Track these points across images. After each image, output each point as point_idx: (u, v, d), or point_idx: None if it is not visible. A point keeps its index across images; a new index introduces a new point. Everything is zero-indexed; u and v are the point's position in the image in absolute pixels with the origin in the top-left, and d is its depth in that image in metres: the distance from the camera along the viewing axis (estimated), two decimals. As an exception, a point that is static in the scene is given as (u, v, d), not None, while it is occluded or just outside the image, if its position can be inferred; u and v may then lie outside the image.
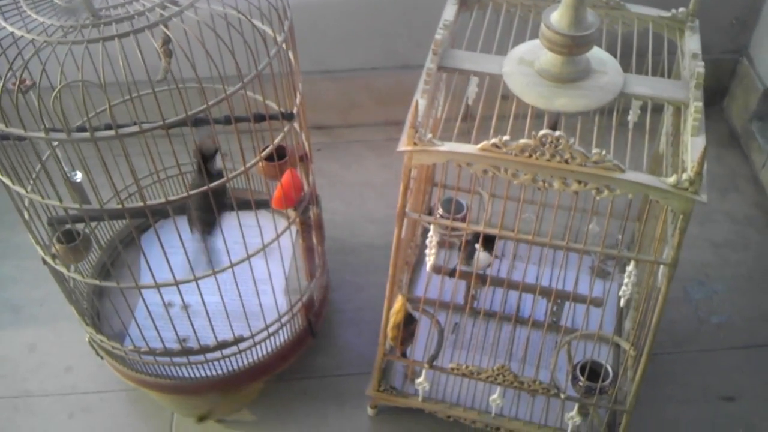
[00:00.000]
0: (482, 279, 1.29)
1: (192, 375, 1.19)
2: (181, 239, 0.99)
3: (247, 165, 0.98)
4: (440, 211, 1.32)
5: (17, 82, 0.88)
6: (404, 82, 1.72)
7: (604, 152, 0.84)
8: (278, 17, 0.98)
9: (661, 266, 0.96)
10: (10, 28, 0.85)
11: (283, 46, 0.99)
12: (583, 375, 1.12)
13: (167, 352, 1.14)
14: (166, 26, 0.88)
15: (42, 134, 0.84)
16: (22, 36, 0.84)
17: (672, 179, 0.84)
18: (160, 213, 1.13)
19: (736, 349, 1.40)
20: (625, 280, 0.97)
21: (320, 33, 1.68)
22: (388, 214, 1.60)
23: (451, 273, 1.23)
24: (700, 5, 1.06)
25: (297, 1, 1.58)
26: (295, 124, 1.13)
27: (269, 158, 1.11)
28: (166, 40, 1.07)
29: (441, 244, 1.40)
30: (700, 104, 0.91)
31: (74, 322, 1.23)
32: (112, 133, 0.83)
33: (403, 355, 1.20)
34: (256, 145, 1.07)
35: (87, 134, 0.83)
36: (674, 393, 1.34)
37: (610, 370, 1.12)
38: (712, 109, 1.86)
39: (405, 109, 0.89)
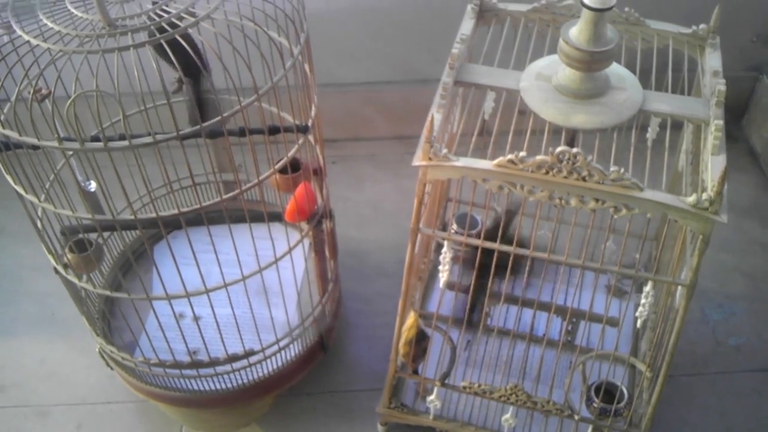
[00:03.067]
0: (496, 296, 1.28)
1: (202, 388, 1.18)
2: (193, 250, 0.98)
3: (261, 177, 0.97)
4: (454, 226, 1.31)
5: (33, 91, 0.88)
6: (416, 97, 1.72)
7: (622, 170, 0.83)
8: (294, 29, 0.97)
9: (679, 287, 0.94)
10: (26, 36, 0.85)
11: (299, 58, 0.99)
12: (597, 396, 1.10)
13: (177, 365, 1.13)
14: (182, 37, 0.88)
15: (55, 143, 0.83)
16: (37, 45, 0.84)
17: (691, 199, 0.82)
18: (173, 224, 1.13)
19: (755, 372, 1.38)
20: (642, 301, 0.95)
21: (330, 46, 1.67)
22: (400, 228, 1.60)
23: (466, 289, 1.21)
24: (720, 22, 1.05)
25: (308, 14, 1.59)
26: (310, 137, 1.12)
27: (283, 171, 1.11)
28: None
29: (455, 260, 1.39)
30: (721, 122, 0.90)
31: (85, 332, 1.22)
32: (125, 143, 0.83)
33: (415, 372, 1.18)
34: (271, 157, 1.06)
35: (101, 144, 0.83)
36: (691, 416, 1.31)
37: (625, 391, 1.10)
38: (732, 127, 1.84)
39: (415, 124, 0.89)
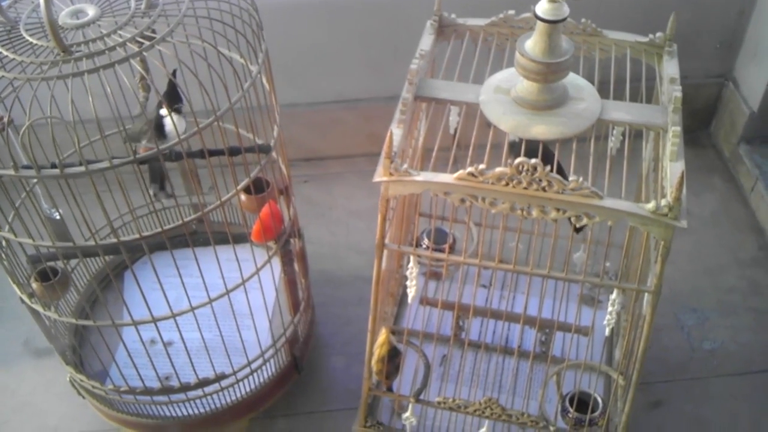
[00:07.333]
0: (469, 309, 1.28)
1: (174, 414, 1.17)
2: (157, 275, 0.97)
3: (223, 198, 0.97)
4: (426, 241, 1.31)
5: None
6: (388, 113, 1.74)
7: (581, 179, 0.83)
8: (252, 49, 0.97)
9: (646, 294, 0.94)
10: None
11: (259, 77, 0.99)
12: (572, 406, 1.10)
13: (147, 391, 1.11)
14: (141, 60, 0.88)
15: (12, 171, 0.83)
16: (-7, 72, 0.84)
17: (650, 205, 0.82)
18: (137, 249, 1.12)
19: (730, 376, 1.38)
20: (609, 309, 0.95)
21: (308, 64, 1.68)
22: (374, 245, 1.60)
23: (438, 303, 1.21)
24: (678, 30, 1.06)
25: (285, 33, 1.59)
26: (274, 155, 1.12)
27: (249, 191, 1.10)
28: (143, 75, 1.06)
29: (431, 275, 1.39)
30: (678, 129, 0.90)
31: (56, 361, 1.21)
32: (82, 169, 0.82)
33: (389, 389, 1.18)
34: (237, 179, 1.06)
35: (57, 171, 0.82)
36: (666, 423, 1.31)
37: (599, 400, 1.10)
38: (700, 133, 1.85)
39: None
